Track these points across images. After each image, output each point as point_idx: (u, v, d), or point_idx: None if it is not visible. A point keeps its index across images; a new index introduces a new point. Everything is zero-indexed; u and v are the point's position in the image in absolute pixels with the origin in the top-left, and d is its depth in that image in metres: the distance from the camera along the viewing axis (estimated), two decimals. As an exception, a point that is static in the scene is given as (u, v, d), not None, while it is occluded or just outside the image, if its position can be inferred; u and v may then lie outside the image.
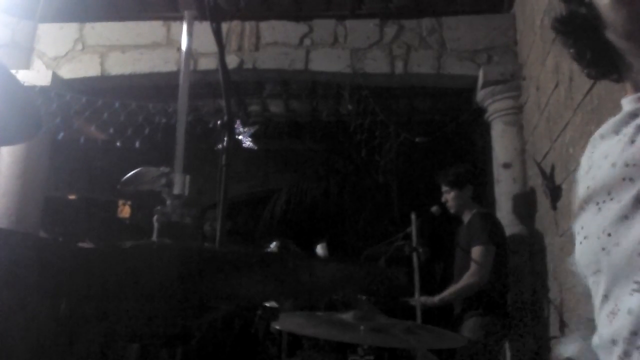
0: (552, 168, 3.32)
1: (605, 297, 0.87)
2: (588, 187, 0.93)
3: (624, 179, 0.86)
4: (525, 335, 3.67)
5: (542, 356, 3.57)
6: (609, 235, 0.85)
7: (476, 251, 3.42)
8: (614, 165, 0.89)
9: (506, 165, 4.17)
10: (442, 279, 4.95)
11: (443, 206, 3.75)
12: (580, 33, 0.91)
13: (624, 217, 0.83)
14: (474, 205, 3.68)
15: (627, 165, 0.86)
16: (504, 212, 4.02)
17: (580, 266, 0.92)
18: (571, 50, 0.94)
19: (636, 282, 0.80)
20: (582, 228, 0.92)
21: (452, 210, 3.72)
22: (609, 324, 0.85)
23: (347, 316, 1.89)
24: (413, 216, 3.57)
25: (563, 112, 3.08)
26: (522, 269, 3.82)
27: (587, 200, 0.92)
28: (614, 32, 0.85)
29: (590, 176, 0.95)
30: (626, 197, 0.84)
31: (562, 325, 3.13)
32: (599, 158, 0.95)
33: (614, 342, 0.83)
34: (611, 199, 0.87)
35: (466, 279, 3.40)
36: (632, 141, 0.87)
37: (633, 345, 0.79)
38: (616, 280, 0.84)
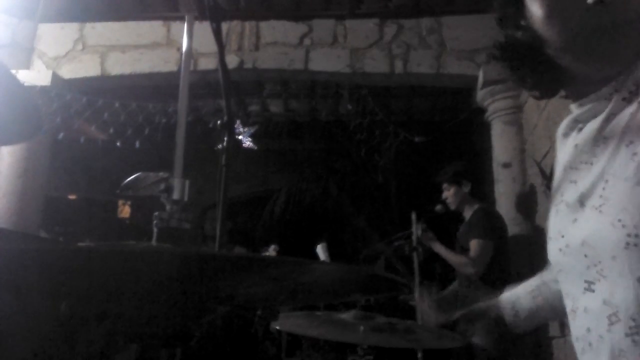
0: (552, 168, 3.32)
1: (566, 295, 0.91)
2: (552, 189, 0.99)
3: (570, 182, 0.90)
4: (525, 335, 3.66)
5: (542, 356, 3.57)
6: (563, 236, 0.90)
7: (473, 244, 3.42)
8: (565, 168, 0.94)
9: (506, 165, 4.17)
10: (442, 279, 4.95)
11: (446, 204, 3.76)
12: (519, 57, 0.93)
13: (574, 220, 0.87)
14: (474, 201, 3.68)
15: (571, 167, 0.91)
16: (504, 212, 4.02)
17: (552, 264, 0.97)
18: (513, 77, 0.97)
19: (586, 282, 0.84)
20: (548, 229, 0.97)
21: (452, 207, 3.72)
22: (572, 322, 0.89)
23: (347, 316, 1.89)
24: (413, 216, 3.57)
25: (563, 111, 3.07)
26: (522, 268, 3.81)
27: (551, 202, 0.97)
28: (552, 47, 0.87)
29: (555, 178, 1.00)
30: (572, 199, 0.87)
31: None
32: (558, 161, 1.01)
33: (576, 339, 0.87)
34: (562, 201, 0.91)
35: (462, 264, 3.43)
36: (575, 144, 0.92)
37: (586, 341, 0.84)
38: (571, 280, 0.88)
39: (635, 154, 0.78)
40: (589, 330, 0.83)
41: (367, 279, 0.94)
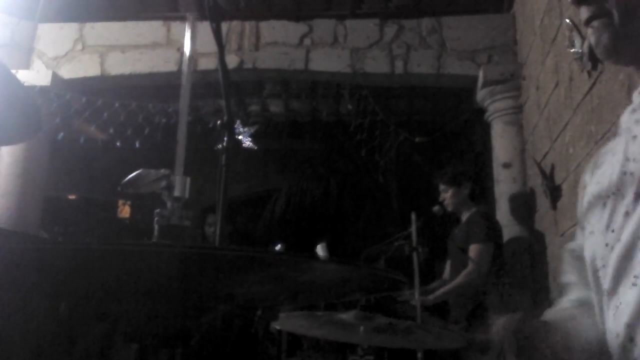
0: (552, 168, 3.32)
1: (610, 292, 0.88)
2: (598, 183, 0.95)
3: (625, 174, 0.86)
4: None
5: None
6: (613, 231, 0.86)
7: (474, 249, 3.40)
8: (619, 161, 0.90)
9: (506, 165, 4.17)
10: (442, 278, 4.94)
11: (443, 206, 3.75)
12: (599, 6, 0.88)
13: (626, 214, 0.84)
14: (472, 204, 3.67)
15: (628, 159, 0.87)
16: (504, 212, 4.02)
17: (587, 260, 0.94)
18: (590, 26, 0.88)
19: (635, 277, 0.81)
20: (589, 223, 0.94)
21: (449, 209, 3.71)
22: (614, 319, 0.86)
23: (347, 316, 1.89)
24: (413, 216, 3.57)
25: (563, 111, 3.08)
26: (522, 269, 3.81)
27: (596, 196, 0.93)
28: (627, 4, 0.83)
29: (601, 172, 0.96)
30: (629, 192, 0.84)
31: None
32: (607, 153, 0.97)
33: (617, 335, 0.84)
34: (615, 195, 0.88)
35: (463, 277, 3.39)
36: (634, 136, 0.88)
37: (627, 338, 0.81)
38: (619, 276, 0.85)
39: None
40: (628, 325, 0.81)
41: (368, 277, 0.93)
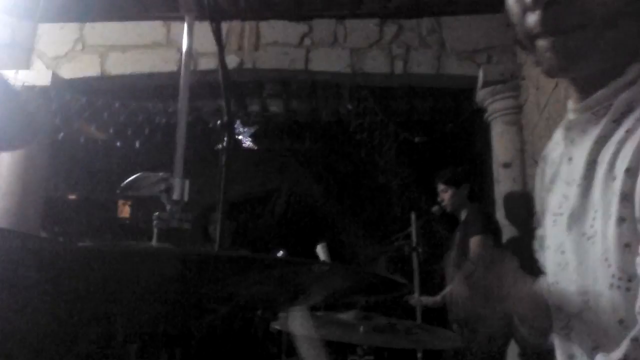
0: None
1: (559, 309, 0.88)
2: (545, 189, 0.95)
3: (563, 196, 0.87)
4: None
5: (543, 356, 3.56)
6: (563, 252, 0.85)
7: (474, 241, 3.38)
8: (559, 178, 0.91)
9: (506, 165, 4.17)
10: (442, 279, 4.94)
11: (442, 206, 3.75)
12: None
13: (571, 241, 0.83)
14: (470, 205, 3.67)
15: (563, 181, 0.88)
16: (504, 212, 4.02)
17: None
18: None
19: (582, 302, 0.80)
20: (545, 233, 0.95)
21: (448, 209, 3.71)
22: (562, 342, 0.87)
23: (347, 316, 1.89)
24: (413, 216, 3.57)
25: (563, 111, 3.07)
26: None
27: (546, 206, 0.94)
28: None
29: (547, 177, 0.96)
30: (565, 216, 0.84)
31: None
32: (553, 160, 0.96)
33: (570, 357, 0.86)
34: (560, 214, 0.87)
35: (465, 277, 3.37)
36: (570, 158, 0.88)
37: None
38: (568, 297, 0.84)
39: (617, 189, 0.73)
40: (595, 348, 0.79)
41: (368, 279, 0.93)
